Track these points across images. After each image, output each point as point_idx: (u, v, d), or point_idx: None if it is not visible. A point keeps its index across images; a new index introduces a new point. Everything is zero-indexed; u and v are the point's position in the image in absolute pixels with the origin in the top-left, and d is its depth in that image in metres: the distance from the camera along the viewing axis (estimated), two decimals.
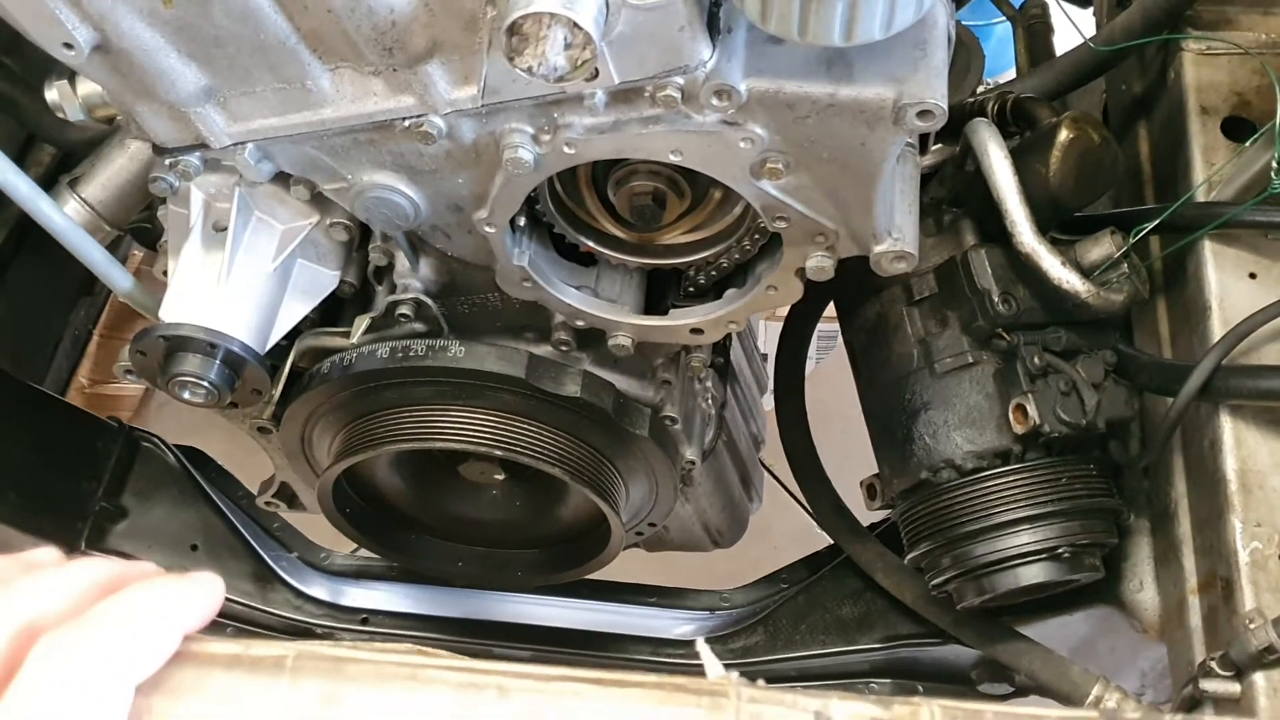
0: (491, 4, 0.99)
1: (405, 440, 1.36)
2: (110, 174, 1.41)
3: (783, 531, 2.79)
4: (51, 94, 1.22)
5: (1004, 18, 2.00)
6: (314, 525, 1.92)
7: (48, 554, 0.74)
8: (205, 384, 1.25)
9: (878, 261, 1.17)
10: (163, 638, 0.67)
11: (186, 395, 1.27)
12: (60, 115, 1.23)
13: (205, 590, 0.70)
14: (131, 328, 3.04)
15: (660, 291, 1.41)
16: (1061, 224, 1.42)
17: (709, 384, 1.58)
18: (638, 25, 0.97)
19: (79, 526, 1.80)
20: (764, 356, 2.03)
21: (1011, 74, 2.06)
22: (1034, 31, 1.92)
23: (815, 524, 1.76)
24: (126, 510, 1.85)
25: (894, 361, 1.48)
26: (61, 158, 1.85)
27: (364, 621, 1.88)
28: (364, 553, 1.89)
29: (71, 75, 1.21)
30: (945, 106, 1.00)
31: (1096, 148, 1.37)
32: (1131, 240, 1.36)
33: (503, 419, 1.36)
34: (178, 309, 1.25)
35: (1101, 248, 1.37)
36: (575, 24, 0.91)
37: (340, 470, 1.43)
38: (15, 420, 1.76)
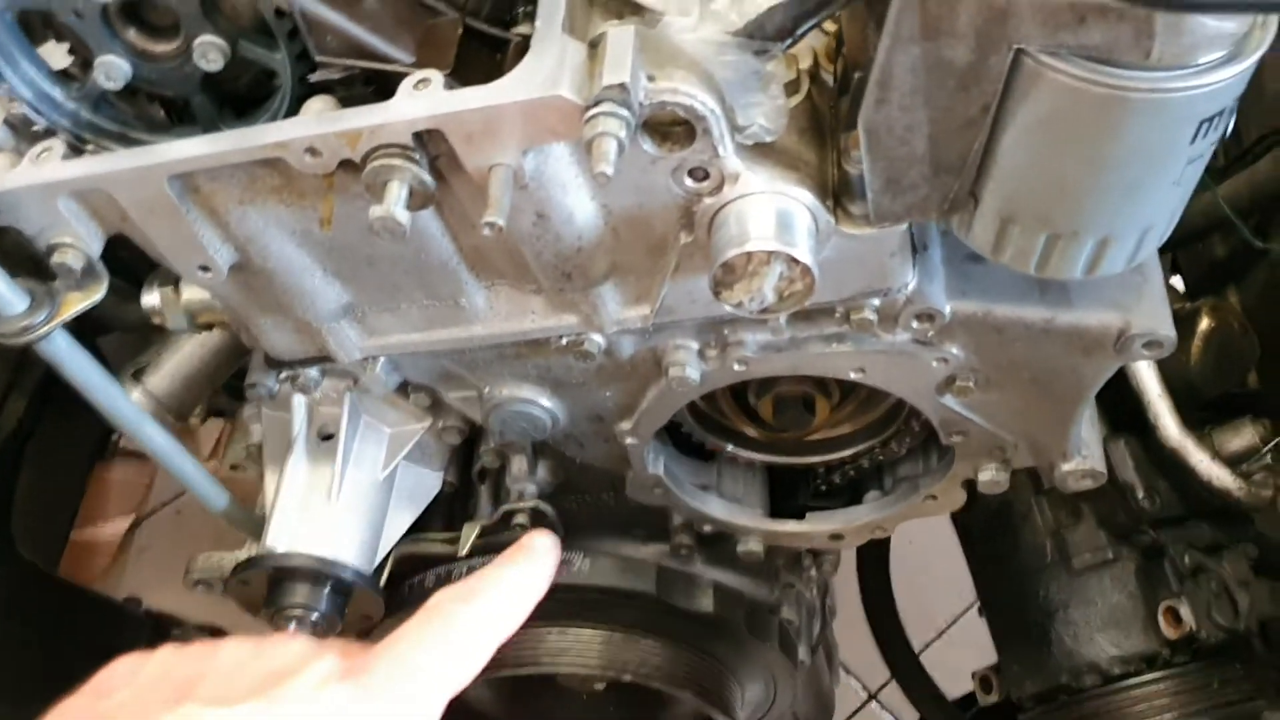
0: (686, 230, 0.90)
1: (524, 666, 1.24)
2: (178, 362, 1.30)
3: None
4: (151, 299, 1.09)
5: None
6: None
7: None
8: (315, 614, 1.13)
9: (1063, 479, 1.09)
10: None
11: (293, 627, 1.14)
12: (157, 320, 1.11)
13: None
14: (107, 468, 2.86)
15: (784, 486, 1.32)
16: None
17: (813, 573, 1.49)
18: (845, 251, 0.89)
19: None
20: None
21: None
22: None
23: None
24: None
25: (1023, 552, 1.41)
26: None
27: None
28: None
29: (175, 281, 1.09)
30: (1175, 337, 0.93)
31: (1237, 336, 1.32)
32: None
33: (629, 640, 1.25)
34: (285, 535, 1.13)
35: (1242, 438, 1.32)
36: (794, 259, 0.83)
37: None
38: (40, 619, 1.60)
